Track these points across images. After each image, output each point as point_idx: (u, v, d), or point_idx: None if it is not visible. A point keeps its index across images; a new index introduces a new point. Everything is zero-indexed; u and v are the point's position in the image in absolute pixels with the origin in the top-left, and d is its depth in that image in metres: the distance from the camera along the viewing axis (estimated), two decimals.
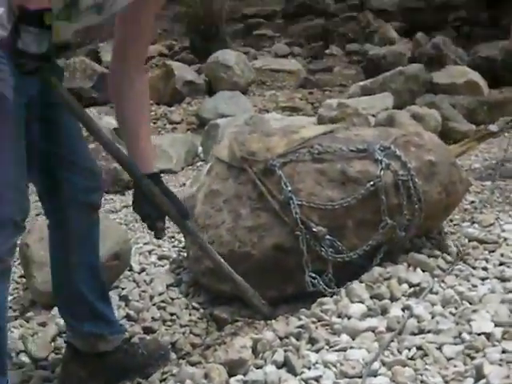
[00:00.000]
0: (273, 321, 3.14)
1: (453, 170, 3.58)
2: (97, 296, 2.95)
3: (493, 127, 7.14)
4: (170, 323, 3.43)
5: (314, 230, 3.21)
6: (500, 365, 2.44)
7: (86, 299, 2.91)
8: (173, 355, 3.17)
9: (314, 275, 3.24)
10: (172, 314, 3.50)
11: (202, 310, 3.47)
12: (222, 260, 3.15)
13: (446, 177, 3.50)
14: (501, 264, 3.47)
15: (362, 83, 10.12)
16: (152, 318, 3.49)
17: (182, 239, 4.62)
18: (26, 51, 2.31)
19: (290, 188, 3.27)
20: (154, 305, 3.58)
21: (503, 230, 4.02)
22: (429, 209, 3.39)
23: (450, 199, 3.56)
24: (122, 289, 3.75)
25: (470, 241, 3.76)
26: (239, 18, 15.56)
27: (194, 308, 3.50)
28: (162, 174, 3.08)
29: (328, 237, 3.23)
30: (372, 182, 3.27)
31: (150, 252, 4.31)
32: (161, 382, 2.89)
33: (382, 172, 3.29)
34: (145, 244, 4.47)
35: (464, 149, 6.97)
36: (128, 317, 3.50)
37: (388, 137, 3.51)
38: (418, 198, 3.33)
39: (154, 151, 3.01)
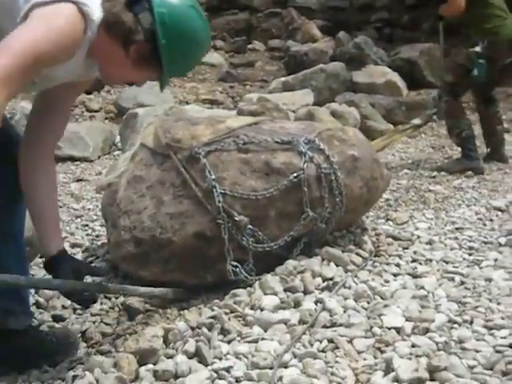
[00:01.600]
0: (185, 311, 3.11)
1: (375, 166, 3.62)
2: (21, 270, 2.83)
3: (416, 120, 7.28)
4: (80, 312, 3.36)
5: (236, 219, 3.19)
6: (409, 358, 2.48)
7: (9, 271, 2.77)
8: (82, 344, 3.10)
9: (235, 264, 3.22)
10: None
11: (113, 300, 3.42)
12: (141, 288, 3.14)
13: (368, 172, 3.53)
14: (413, 261, 3.55)
15: (283, 79, 10.20)
16: (62, 306, 3.41)
17: (96, 227, 4.56)
18: None
19: (213, 176, 3.24)
20: None
21: (417, 228, 4.12)
22: (350, 203, 3.42)
23: (370, 194, 3.60)
24: (33, 275, 3.65)
25: (385, 237, 3.82)
26: None
27: (105, 297, 3.44)
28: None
29: (250, 226, 3.22)
30: (295, 174, 3.27)
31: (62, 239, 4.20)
32: (69, 370, 2.81)
33: (306, 164, 3.30)
34: None
35: (388, 142, 7.11)
36: (37, 304, 3.41)
37: (313, 131, 3.53)
38: (339, 192, 3.35)
39: (61, 231, 2.97)
